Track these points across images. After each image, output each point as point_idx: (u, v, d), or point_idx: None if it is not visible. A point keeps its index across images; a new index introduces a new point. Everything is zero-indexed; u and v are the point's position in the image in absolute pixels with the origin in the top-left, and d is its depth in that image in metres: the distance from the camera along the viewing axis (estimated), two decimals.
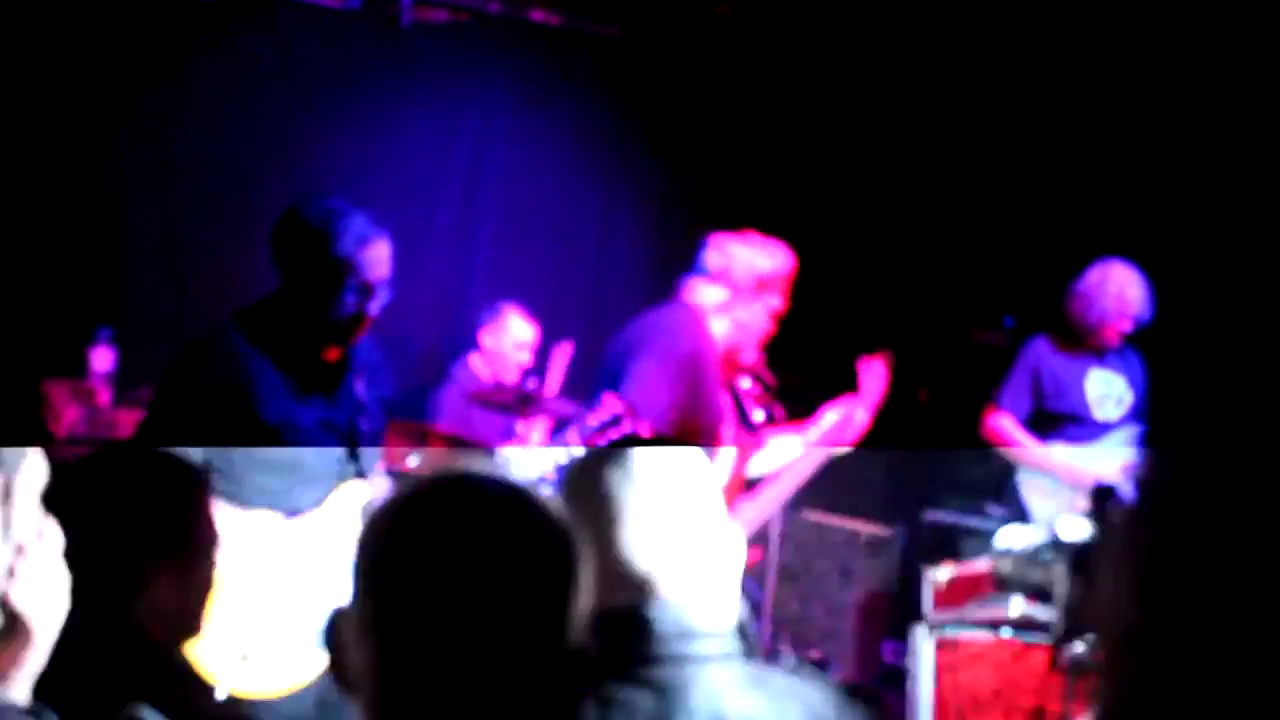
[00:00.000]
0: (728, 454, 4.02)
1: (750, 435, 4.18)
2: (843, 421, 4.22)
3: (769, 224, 4.16)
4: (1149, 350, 5.12)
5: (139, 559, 2.07)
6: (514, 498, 1.52)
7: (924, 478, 5.61)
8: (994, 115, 6.32)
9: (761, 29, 6.69)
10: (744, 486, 4.10)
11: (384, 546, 1.50)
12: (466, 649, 1.45)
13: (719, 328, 3.97)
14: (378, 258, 3.15)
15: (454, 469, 1.56)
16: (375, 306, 3.19)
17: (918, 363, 6.08)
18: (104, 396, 4.97)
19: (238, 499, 3.06)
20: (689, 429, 3.89)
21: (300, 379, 3.20)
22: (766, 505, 4.15)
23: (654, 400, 3.68)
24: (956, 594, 4.25)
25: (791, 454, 4.20)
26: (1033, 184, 6.20)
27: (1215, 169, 5.54)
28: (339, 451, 3.25)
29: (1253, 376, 1.10)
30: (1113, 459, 4.87)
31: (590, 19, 6.45)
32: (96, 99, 5.38)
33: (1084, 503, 4.80)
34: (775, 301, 4.02)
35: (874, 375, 4.46)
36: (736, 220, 4.23)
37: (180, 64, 5.55)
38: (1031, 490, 5.07)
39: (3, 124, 5.18)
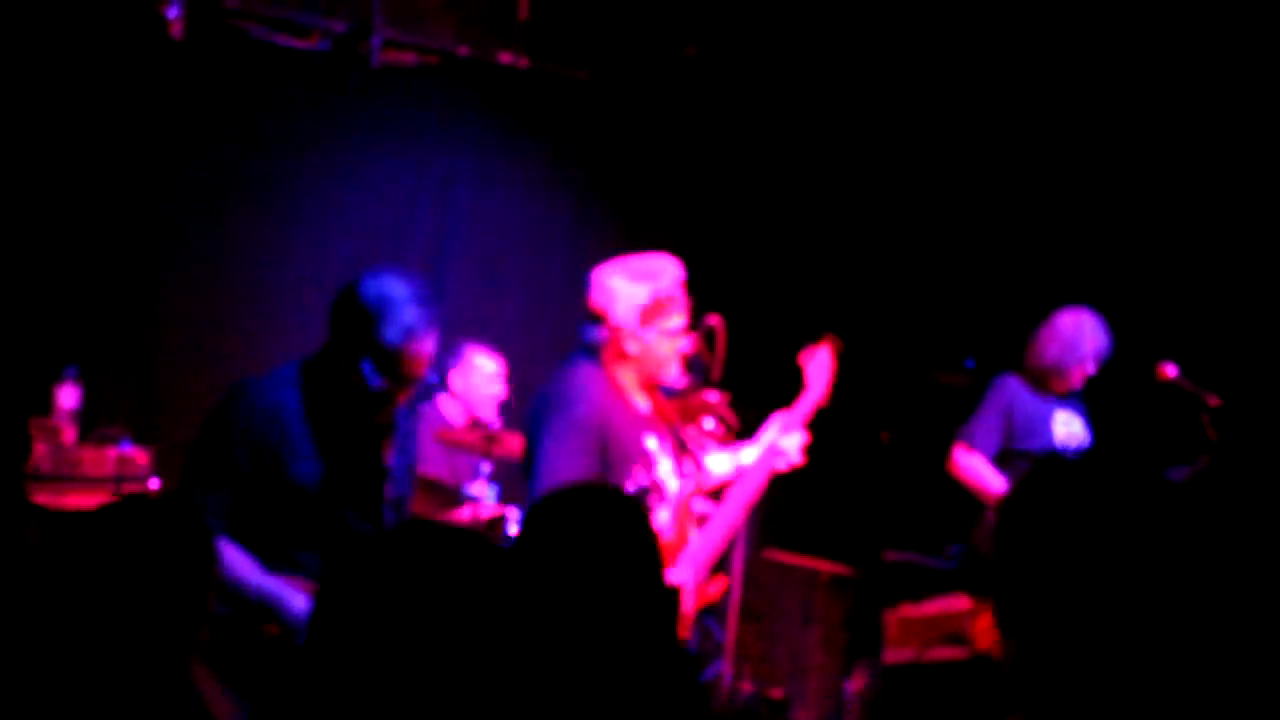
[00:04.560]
0: (669, 489, 3.85)
1: (691, 463, 4.05)
2: (770, 450, 4.01)
3: (736, 265, 4.19)
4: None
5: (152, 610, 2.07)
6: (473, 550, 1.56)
7: (884, 518, 5.64)
8: (956, 161, 6.41)
9: (728, 72, 6.77)
10: (694, 520, 3.97)
11: (354, 590, 1.55)
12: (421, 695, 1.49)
13: (622, 372, 3.81)
14: (419, 355, 3.14)
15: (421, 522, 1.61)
16: (405, 394, 3.21)
17: (879, 404, 6.13)
18: (69, 434, 4.96)
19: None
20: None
21: (334, 440, 3.18)
22: (716, 536, 3.92)
23: (564, 478, 3.49)
24: (914, 634, 4.30)
25: (732, 473, 4.03)
26: (994, 228, 6.28)
27: (1178, 216, 5.63)
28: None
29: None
30: None
31: (558, 62, 6.51)
32: (64, 137, 5.37)
33: None
34: (674, 322, 3.77)
35: (819, 366, 4.27)
36: (704, 262, 4.22)
37: (150, 102, 5.57)
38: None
39: None
